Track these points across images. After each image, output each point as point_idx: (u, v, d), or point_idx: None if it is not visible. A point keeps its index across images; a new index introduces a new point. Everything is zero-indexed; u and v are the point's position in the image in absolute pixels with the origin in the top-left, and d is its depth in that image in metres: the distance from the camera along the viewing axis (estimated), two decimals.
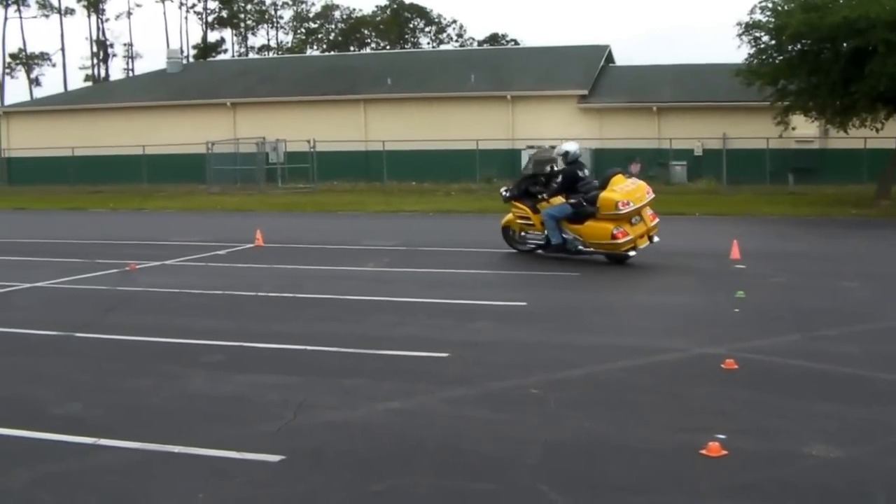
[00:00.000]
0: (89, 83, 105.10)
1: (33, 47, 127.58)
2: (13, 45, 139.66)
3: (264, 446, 7.17)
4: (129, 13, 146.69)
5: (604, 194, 17.84)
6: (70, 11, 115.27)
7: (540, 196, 19.03)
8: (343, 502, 6.25)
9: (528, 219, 19.27)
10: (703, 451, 6.96)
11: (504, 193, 20.17)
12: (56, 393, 9.01)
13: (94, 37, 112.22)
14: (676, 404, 8.49)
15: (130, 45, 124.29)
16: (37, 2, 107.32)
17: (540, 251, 19.15)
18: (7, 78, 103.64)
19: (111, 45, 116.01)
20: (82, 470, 6.86)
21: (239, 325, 12.39)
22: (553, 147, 22.36)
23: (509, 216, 19.92)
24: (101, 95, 64.93)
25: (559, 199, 18.59)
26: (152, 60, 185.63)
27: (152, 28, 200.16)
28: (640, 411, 8.25)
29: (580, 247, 18.31)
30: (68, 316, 13.07)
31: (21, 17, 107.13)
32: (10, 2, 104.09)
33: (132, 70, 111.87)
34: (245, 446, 7.17)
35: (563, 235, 18.42)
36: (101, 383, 9.42)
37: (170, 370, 9.90)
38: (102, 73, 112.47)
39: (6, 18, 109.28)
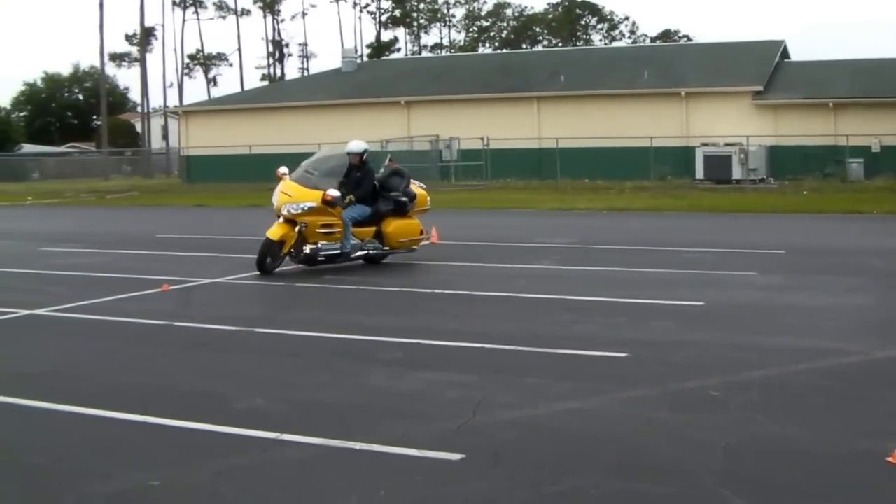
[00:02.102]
0: (265, 82, 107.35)
1: (210, 48, 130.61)
2: (191, 46, 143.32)
3: (444, 444, 7.17)
4: (304, 13, 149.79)
5: (420, 190, 18.81)
6: (246, 12, 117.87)
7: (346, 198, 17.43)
8: (523, 502, 6.23)
9: (330, 226, 17.17)
10: (890, 459, 6.73)
11: (335, 195, 17.02)
12: (239, 388, 9.18)
13: (270, 37, 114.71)
14: (860, 409, 8.22)
15: (305, 44, 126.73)
16: (214, 4, 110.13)
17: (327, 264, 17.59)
18: (186, 78, 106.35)
19: (286, 45, 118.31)
20: (265, 464, 6.96)
21: (416, 322, 12.50)
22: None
23: (279, 228, 17.04)
24: (276, 94, 66.23)
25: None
26: (326, 60, 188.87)
27: (326, 28, 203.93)
28: (822, 415, 8.02)
29: (369, 251, 18.05)
30: (247, 311, 13.36)
31: (199, 19, 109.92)
32: (188, 4, 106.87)
33: (307, 69, 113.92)
34: (425, 444, 7.18)
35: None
36: (281, 379, 9.59)
37: (349, 367, 10.03)
38: (278, 73, 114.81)
39: (184, 20, 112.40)
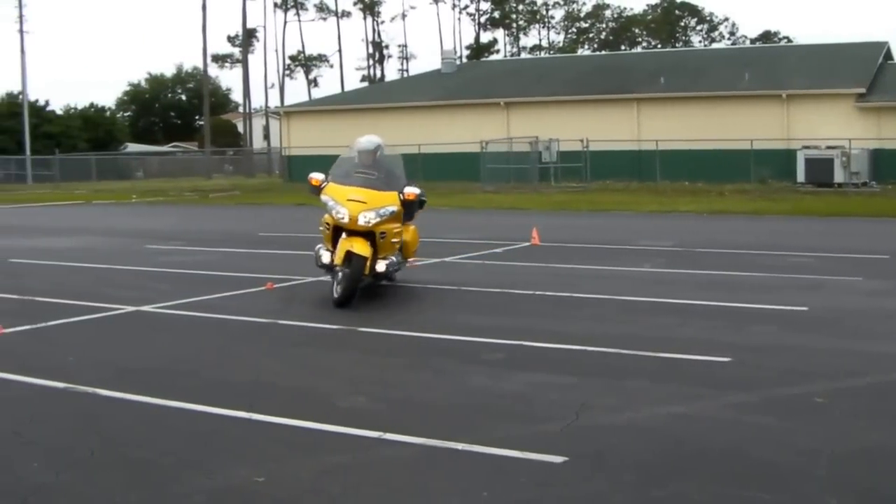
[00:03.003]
0: (365, 83, 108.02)
1: (311, 49, 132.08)
2: (292, 48, 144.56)
3: (547, 446, 7.14)
4: (404, 15, 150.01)
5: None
6: (346, 14, 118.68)
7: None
8: None
9: (400, 234, 14.78)
10: None
11: (418, 192, 14.64)
12: (341, 386, 9.25)
13: (370, 39, 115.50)
14: None
15: (405, 46, 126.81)
16: (315, 6, 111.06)
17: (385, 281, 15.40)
18: (287, 79, 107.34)
19: (386, 47, 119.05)
20: (367, 463, 7.01)
21: (517, 323, 12.46)
22: None
23: (360, 244, 13.85)
24: (377, 95, 66.66)
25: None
26: (426, 61, 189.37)
27: (426, 29, 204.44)
28: None
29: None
30: (349, 310, 13.38)
31: (300, 21, 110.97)
32: (289, 6, 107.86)
33: (406, 70, 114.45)
34: (527, 445, 7.15)
35: None
36: (383, 378, 9.64)
37: (450, 367, 10.06)
38: (378, 74, 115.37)
39: (286, 22, 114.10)
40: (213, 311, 13.54)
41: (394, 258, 14.40)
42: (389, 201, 14.06)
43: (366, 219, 13.71)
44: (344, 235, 13.85)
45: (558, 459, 6.88)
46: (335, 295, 13.61)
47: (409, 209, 14.62)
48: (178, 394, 8.83)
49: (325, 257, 14.09)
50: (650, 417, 8.04)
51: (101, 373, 9.73)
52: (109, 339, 11.92)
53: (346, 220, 13.74)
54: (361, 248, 13.59)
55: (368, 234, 13.81)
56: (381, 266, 13.99)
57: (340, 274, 13.60)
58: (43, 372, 9.73)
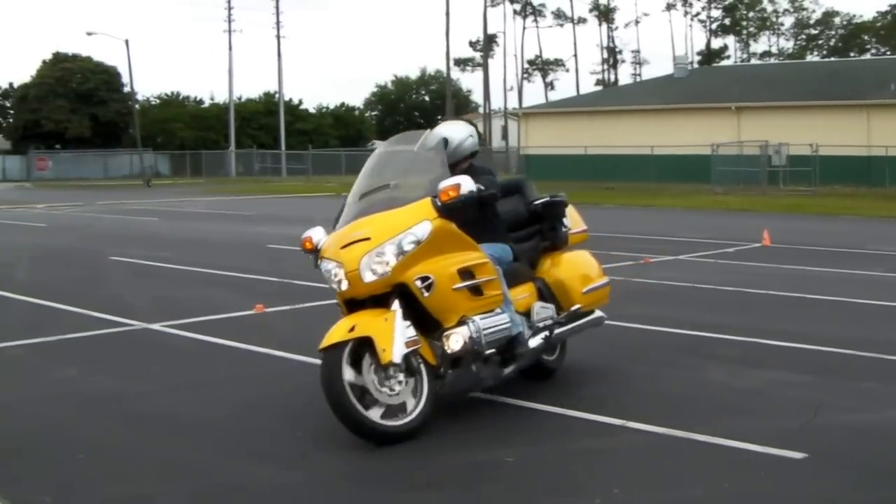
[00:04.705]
0: (599, 87, 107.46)
1: (548, 54, 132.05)
2: (530, 52, 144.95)
3: (786, 442, 6.96)
4: (637, 22, 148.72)
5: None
6: (582, 21, 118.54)
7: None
8: None
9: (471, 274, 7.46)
10: None
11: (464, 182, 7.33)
12: (581, 375, 9.24)
13: (605, 44, 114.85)
14: None
15: (637, 51, 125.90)
16: (552, 13, 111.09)
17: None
18: (525, 82, 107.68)
19: (620, 52, 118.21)
20: (611, 449, 7.01)
21: (750, 321, 12.18)
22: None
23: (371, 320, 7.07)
24: (610, 99, 66.37)
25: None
26: (657, 66, 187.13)
27: (658, 36, 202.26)
28: None
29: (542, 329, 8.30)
30: None
31: (538, 27, 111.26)
32: (528, 13, 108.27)
33: (639, 75, 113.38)
34: (766, 440, 6.99)
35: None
36: (621, 369, 9.58)
37: (687, 361, 9.92)
38: (611, 78, 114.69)
39: (524, 28, 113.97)
40: None
41: (483, 319, 7.35)
42: (413, 218, 7.21)
43: (373, 268, 7.03)
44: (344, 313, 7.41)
45: (798, 455, 6.71)
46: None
47: (490, 223, 8.13)
48: None
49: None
50: (889, 419, 7.77)
51: None
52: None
53: (344, 286, 7.17)
54: (367, 325, 6.95)
55: (394, 294, 7.10)
56: (452, 341, 7.17)
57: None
58: (300, 349, 10.03)
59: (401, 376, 6.92)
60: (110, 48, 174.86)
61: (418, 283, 7.02)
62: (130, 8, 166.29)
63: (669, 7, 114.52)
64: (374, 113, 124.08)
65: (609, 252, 19.10)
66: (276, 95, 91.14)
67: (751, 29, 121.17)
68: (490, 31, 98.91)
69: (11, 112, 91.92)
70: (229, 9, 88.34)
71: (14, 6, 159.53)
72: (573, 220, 9.29)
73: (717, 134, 50.03)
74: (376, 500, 6.06)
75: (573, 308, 8.65)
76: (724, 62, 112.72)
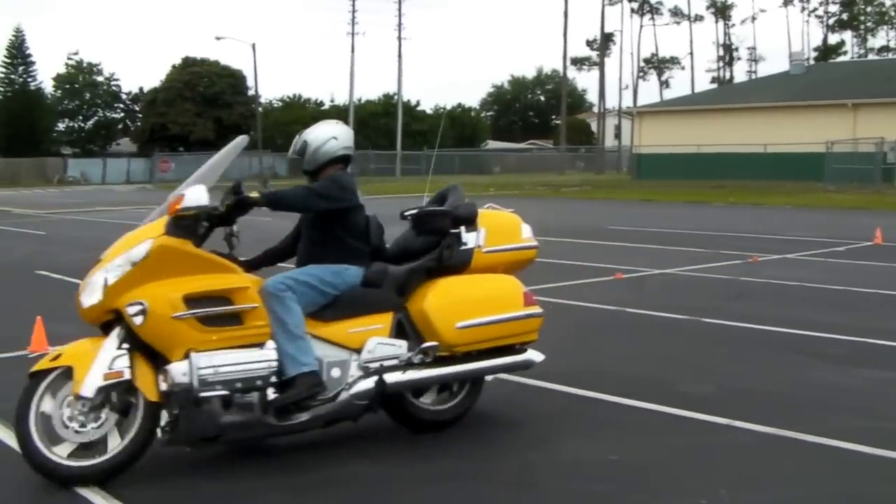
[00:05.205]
0: (714, 85, 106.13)
1: (664, 52, 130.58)
2: (647, 51, 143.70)
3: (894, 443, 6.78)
4: (753, 18, 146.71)
5: (502, 213, 7.76)
6: (699, 18, 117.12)
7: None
8: None
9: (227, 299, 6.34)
10: None
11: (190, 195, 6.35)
12: (685, 372, 9.10)
13: (720, 41, 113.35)
14: None
15: (753, 48, 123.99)
16: (669, 10, 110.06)
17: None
18: (640, 81, 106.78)
19: (735, 49, 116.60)
20: (716, 447, 6.88)
21: (860, 320, 11.86)
22: None
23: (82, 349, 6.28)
24: (725, 96, 65.43)
25: None
26: (774, 63, 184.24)
27: (774, 32, 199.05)
28: None
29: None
30: (695, 301, 13.19)
31: (654, 25, 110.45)
32: (645, 11, 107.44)
33: (755, 72, 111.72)
34: (878, 441, 6.79)
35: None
36: (726, 367, 9.39)
37: (792, 359, 9.69)
38: (727, 76, 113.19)
39: (641, 26, 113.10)
40: (565, 297, 13.57)
41: (218, 355, 6.22)
42: (143, 236, 6.37)
43: (89, 291, 6.30)
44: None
45: None
46: None
47: (335, 241, 6.98)
48: (530, 372, 8.90)
49: None
50: None
51: None
52: None
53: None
54: (75, 353, 6.25)
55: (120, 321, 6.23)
56: (174, 374, 6.13)
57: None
58: None
59: (102, 412, 6.06)
60: (237, 52, 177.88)
61: (129, 309, 6.07)
62: (256, 13, 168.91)
63: (786, 3, 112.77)
64: (489, 113, 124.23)
65: (717, 251, 18.98)
66: (395, 97, 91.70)
67: (868, 24, 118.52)
68: (607, 29, 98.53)
69: (140, 116, 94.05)
70: (353, 12, 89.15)
71: (147, 13, 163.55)
72: (496, 234, 7.36)
73: (833, 131, 49.00)
74: (473, 496, 6.03)
75: (445, 346, 6.91)
76: (841, 58, 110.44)
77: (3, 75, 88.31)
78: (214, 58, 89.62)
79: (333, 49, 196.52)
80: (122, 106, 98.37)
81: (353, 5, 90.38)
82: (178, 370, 6.08)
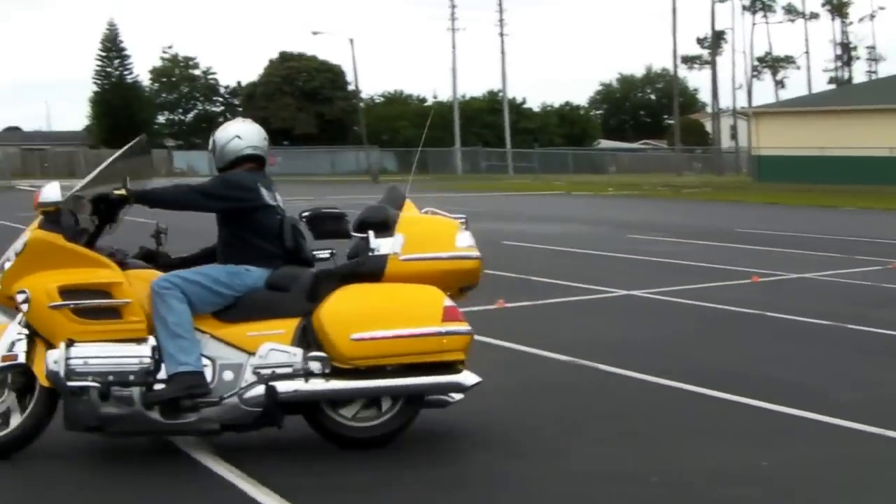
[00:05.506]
0: (832, 85, 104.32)
1: (778, 51, 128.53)
2: (759, 49, 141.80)
3: None
4: (872, 16, 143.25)
5: (433, 218, 7.30)
6: (814, 16, 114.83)
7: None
8: None
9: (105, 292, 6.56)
10: None
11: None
12: (835, 380, 9.02)
13: (838, 40, 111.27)
14: None
15: (872, 47, 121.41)
16: (783, 8, 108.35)
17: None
18: (754, 80, 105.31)
19: (854, 48, 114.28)
20: (867, 458, 6.77)
21: None
22: None
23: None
24: (844, 97, 64.32)
25: None
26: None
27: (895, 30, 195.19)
28: None
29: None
30: (838, 307, 12.96)
31: (767, 23, 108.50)
32: (757, 8, 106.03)
33: (875, 72, 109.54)
34: None
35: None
36: (874, 375, 9.26)
37: None
38: (845, 75, 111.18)
39: (754, 24, 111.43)
40: (697, 298, 13.49)
41: (91, 347, 6.45)
42: (29, 229, 6.81)
43: None
44: None
45: None
46: None
47: (241, 242, 6.93)
48: (674, 374, 8.90)
49: None
50: None
51: (599, 349, 9.94)
52: (603, 319, 12.23)
53: None
54: None
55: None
56: (52, 361, 6.41)
57: None
58: (543, 343, 10.14)
59: (4, 391, 6.52)
60: (334, 47, 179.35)
61: (18, 297, 6.47)
62: (354, 8, 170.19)
63: None
64: (598, 111, 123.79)
65: (853, 256, 18.62)
66: (500, 94, 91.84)
67: None
68: (718, 27, 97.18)
69: (240, 110, 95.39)
70: (452, 7, 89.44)
71: (242, 8, 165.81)
72: (418, 240, 6.84)
73: None
74: (609, 497, 6.01)
75: (338, 358, 6.54)
76: None
77: (98, 68, 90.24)
78: (311, 53, 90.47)
79: (434, 44, 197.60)
80: (220, 99, 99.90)
81: (453, 1, 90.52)
82: (51, 358, 6.36)
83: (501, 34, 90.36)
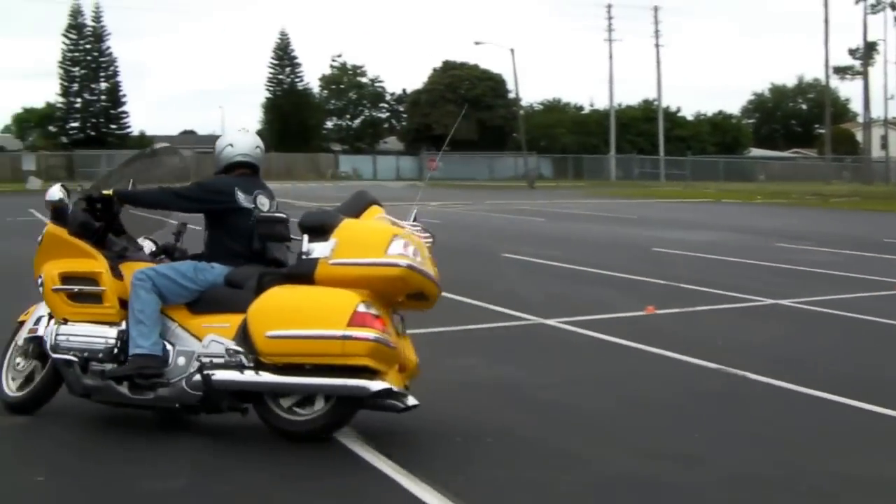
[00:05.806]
0: None
1: None
2: None
3: None
4: None
5: (371, 225, 7.07)
6: None
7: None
8: None
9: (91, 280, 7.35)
10: None
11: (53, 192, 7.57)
12: None
13: None
14: None
15: None
16: None
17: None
18: None
19: None
20: None
21: None
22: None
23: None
24: None
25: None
26: None
27: None
28: None
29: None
30: None
31: None
32: None
33: None
34: None
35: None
36: None
37: None
38: None
39: None
40: (845, 309, 13.19)
41: (77, 328, 7.30)
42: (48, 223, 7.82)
43: None
44: None
45: None
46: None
47: (213, 241, 7.52)
48: (821, 384, 8.74)
49: None
50: None
51: (748, 358, 9.80)
52: (751, 327, 12.02)
53: None
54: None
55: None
56: (41, 331, 7.58)
57: None
58: (693, 351, 10.05)
59: (29, 358, 7.69)
60: (495, 57, 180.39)
61: (38, 280, 7.55)
62: (515, 18, 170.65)
63: None
64: (750, 120, 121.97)
65: None
66: (655, 103, 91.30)
67: None
68: (870, 38, 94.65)
69: (405, 116, 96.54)
70: (609, 19, 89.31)
71: (408, 19, 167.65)
72: (349, 246, 6.76)
73: None
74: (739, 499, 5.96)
75: (259, 353, 6.73)
76: None
77: (271, 75, 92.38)
78: (474, 62, 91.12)
79: (591, 54, 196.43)
80: (386, 106, 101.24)
81: (609, 13, 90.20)
82: (46, 333, 7.43)
83: (657, 45, 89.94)
